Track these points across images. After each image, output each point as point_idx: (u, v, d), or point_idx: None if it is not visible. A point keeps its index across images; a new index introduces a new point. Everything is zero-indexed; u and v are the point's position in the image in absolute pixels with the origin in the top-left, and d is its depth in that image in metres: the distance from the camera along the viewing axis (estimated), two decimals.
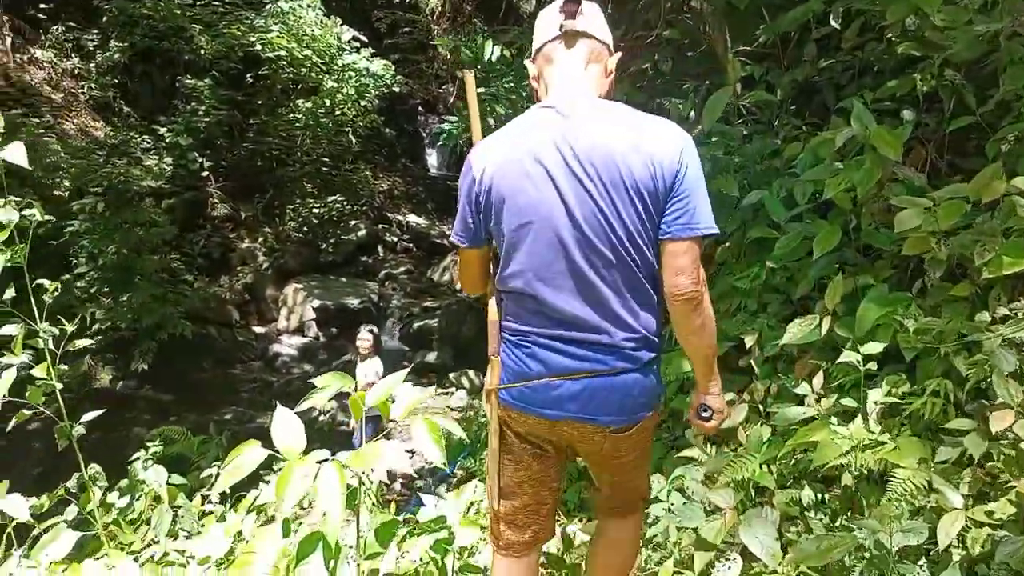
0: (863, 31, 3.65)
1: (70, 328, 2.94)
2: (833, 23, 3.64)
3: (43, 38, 12.23)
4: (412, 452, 7.56)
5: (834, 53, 3.94)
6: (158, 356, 9.04)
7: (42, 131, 9.75)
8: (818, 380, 2.77)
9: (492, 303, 1.89)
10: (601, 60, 1.81)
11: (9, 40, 11.68)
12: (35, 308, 2.67)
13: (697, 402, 1.93)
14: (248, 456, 1.65)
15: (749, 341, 3.31)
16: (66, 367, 8.16)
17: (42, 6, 12.18)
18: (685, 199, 1.68)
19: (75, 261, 8.98)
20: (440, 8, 15.45)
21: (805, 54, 4.04)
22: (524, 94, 5.56)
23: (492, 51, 5.38)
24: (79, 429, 3.02)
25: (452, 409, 8.58)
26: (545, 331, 1.77)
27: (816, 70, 3.99)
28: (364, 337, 6.70)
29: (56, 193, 9.88)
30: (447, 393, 8.97)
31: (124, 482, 5.55)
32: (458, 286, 2.52)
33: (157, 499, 5.06)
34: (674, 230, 1.68)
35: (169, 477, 5.65)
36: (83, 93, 12.13)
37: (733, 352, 3.46)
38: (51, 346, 2.90)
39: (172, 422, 8.33)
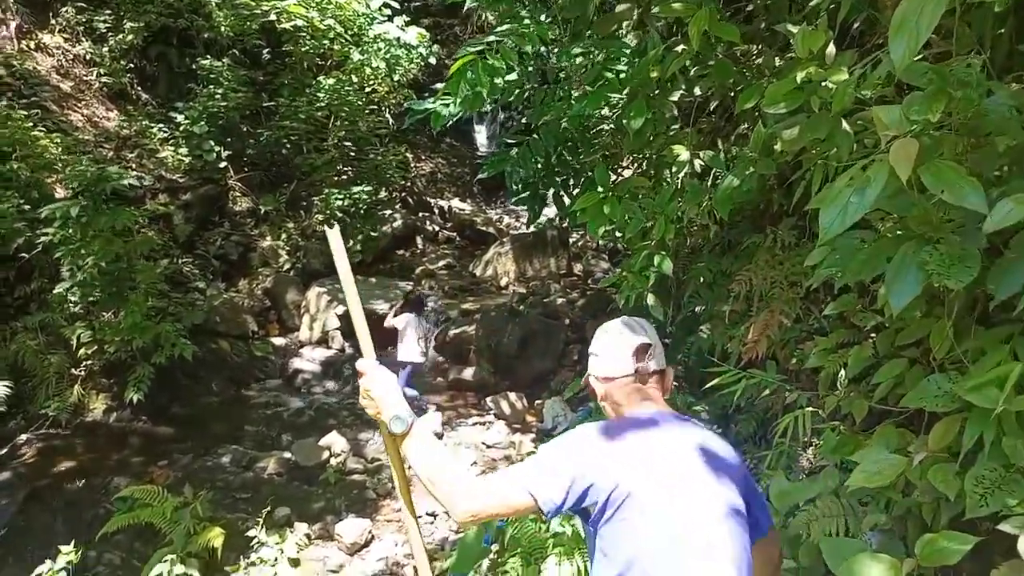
0: None
1: None
2: None
3: (52, 22, 10.80)
4: (434, 516, 5.80)
5: None
6: (161, 377, 7.52)
7: (30, 124, 8.23)
8: None
9: None
10: (667, 373, 1.87)
11: (14, 25, 10.26)
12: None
13: None
14: None
15: None
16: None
17: None
18: (761, 494, 1.84)
19: (63, 274, 7.53)
20: None
21: None
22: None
23: None
24: None
25: (488, 447, 6.78)
26: None
27: None
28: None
29: (59, 196, 8.43)
30: (483, 424, 7.18)
31: None
32: (458, 492, 1.63)
33: None
34: (764, 525, 1.77)
35: None
36: (96, 80, 10.65)
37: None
38: None
39: (163, 466, 6.79)
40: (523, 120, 4.27)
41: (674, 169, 3.52)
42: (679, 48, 3.51)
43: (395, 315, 7.85)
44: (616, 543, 1.58)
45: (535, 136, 3.94)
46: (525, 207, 4.50)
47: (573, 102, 3.84)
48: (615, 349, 1.82)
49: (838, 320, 2.85)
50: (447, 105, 3.64)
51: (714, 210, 3.34)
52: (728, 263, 3.80)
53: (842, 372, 2.55)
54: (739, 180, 3.05)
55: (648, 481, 1.59)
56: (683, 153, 3.52)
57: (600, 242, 10.41)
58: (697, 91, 3.63)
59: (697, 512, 1.57)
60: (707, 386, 2.82)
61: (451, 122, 4.25)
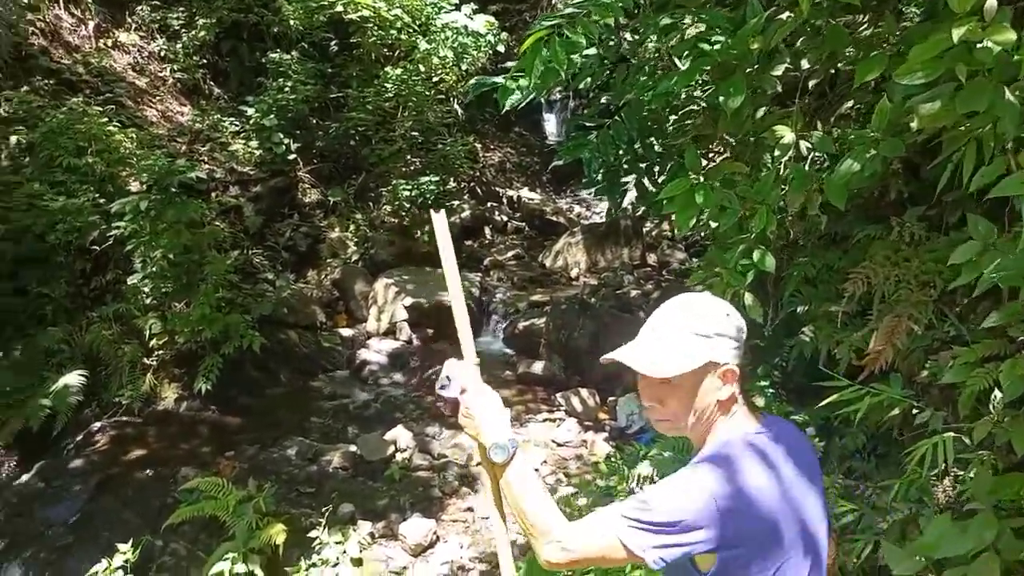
0: None
1: None
2: None
3: (128, 20, 10.90)
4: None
5: None
6: (230, 367, 7.45)
7: (105, 120, 8.26)
8: None
9: None
10: None
11: (92, 25, 10.39)
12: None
13: None
14: None
15: None
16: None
17: None
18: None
19: (135, 266, 7.53)
20: None
21: None
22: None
23: None
24: None
25: (559, 445, 6.44)
26: None
27: None
28: None
29: (134, 190, 8.45)
30: (553, 421, 6.83)
31: None
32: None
33: None
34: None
35: None
36: (170, 76, 10.72)
37: None
38: None
39: (230, 457, 6.70)
40: (602, 101, 3.86)
41: (776, 153, 3.09)
42: (784, 15, 3.08)
43: None
44: None
45: (617, 118, 3.54)
46: (600, 196, 4.11)
47: (658, 78, 3.44)
48: (732, 333, 1.47)
49: (983, 329, 2.40)
50: (516, 80, 3.28)
51: (821, 198, 2.91)
52: (834, 258, 3.35)
53: (996, 393, 2.10)
54: (860, 164, 2.61)
55: (771, 533, 1.39)
56: (787, 135, 3.08)
57: (676, 232, 9.90)
58: (804, 64, 3.18)
59: (813, 563, 1.44)
60: (823, 403, 2.40)
61: (521, 106, 3.91)
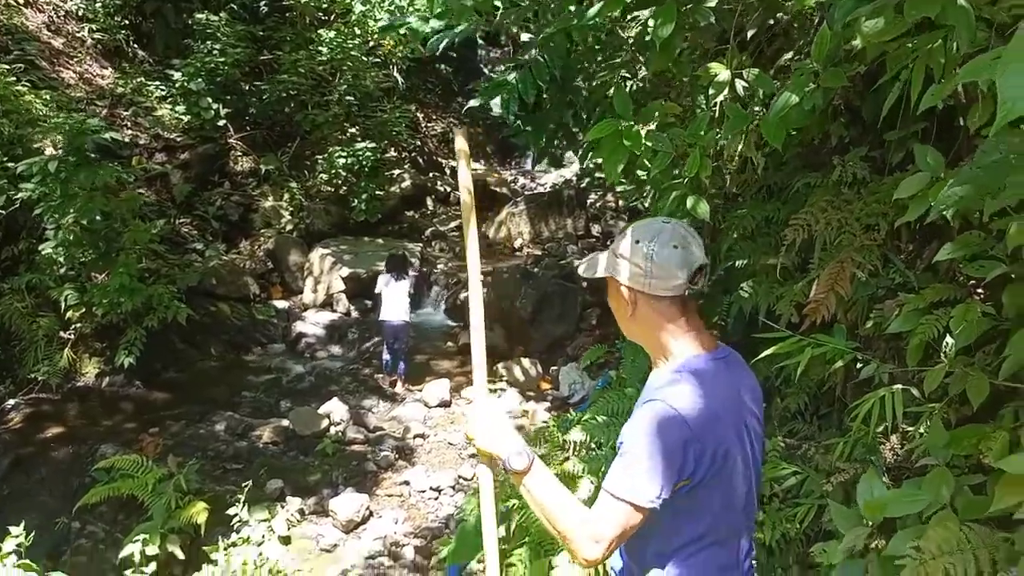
0: None
1: None
2: None
3: None
4: (439, 491, 5.22)
5: None
6: (155, 341, 6.97)
7: (13, 79, 7.58)
8: None
9: None
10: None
11: None
12: None
13: None
14: None
15: None
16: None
17: None
18: None
19: (48, 234, 6.93)
20: None
21: None
22: None
23: None
24: None
25: None
26: None
27: None
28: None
29: (49, 153, 7.78)
30: (494, 391, 6.54)
31: None
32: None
33: None
34: None
35: None
36: (88, 36, 9.95)
37: None
38: None
39: (153, 434, 6.23)
40: (523, 39, 3.52)
41: (711, 92, 2.81)
42: None
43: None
44: (702, 505, 1.51)
45: (539, 57, 3.21)
46: (518, 138, 3.76)
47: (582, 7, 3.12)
48: (669, 264, 1.50)
49: (929, 273, 2.17)
50: (427, 20, 2.92)
51: (760, 141, 2.65)
52: (773, 209, 3.11)
53: (948, 340, 1.87)
54: (799, 96, 2.34)
55: (730, 443, 1.48)
56: (722, 73, 2.80)
57: (621, 202, 9.62)
58: None
59: (750, 472, 1.55)
60: (761, 356, 2.16)
61: (450, 46, 3.54)
